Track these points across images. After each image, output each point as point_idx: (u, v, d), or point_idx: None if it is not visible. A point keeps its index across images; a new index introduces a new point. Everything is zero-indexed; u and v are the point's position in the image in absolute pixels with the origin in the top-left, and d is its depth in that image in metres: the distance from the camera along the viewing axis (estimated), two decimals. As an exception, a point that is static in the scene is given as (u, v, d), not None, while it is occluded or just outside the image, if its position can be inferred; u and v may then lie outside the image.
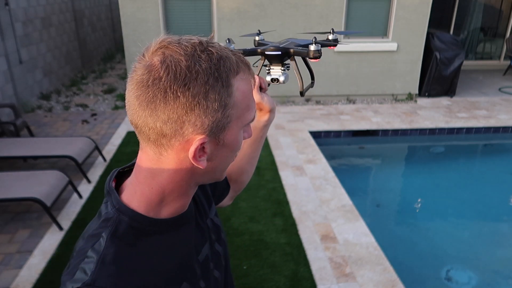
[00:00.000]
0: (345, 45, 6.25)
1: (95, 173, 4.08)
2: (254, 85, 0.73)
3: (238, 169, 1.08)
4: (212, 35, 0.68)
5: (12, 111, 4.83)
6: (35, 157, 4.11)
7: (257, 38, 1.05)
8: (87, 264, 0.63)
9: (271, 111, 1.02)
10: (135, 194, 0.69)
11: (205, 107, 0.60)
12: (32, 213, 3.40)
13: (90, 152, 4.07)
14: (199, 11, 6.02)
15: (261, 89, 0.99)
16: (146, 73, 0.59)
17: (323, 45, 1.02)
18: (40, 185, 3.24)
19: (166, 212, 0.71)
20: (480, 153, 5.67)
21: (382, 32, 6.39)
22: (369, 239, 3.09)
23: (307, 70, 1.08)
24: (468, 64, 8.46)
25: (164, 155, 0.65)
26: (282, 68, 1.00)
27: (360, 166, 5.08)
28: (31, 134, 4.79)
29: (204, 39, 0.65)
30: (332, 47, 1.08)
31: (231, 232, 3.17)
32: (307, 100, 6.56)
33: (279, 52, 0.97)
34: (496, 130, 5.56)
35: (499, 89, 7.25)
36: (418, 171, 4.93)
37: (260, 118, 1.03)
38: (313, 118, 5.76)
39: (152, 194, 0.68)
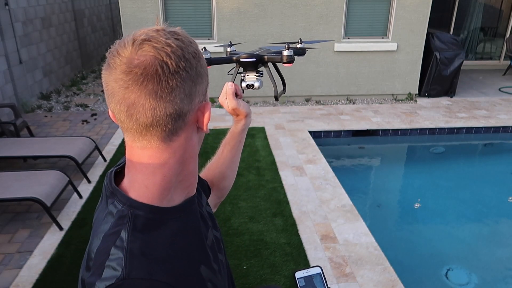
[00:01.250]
0: (345, 45, 6.26)
1: (95, 173, 4.08)
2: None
3: (219, 173, 1.11)
4: (157, 20, 0.77)
5: (12, 111, 4.83)
6: (35, 157, 4.11)
7: (228, 49, 1.10)
8: (113, 261, 0.63)
9: (247, 116, 1.06)
10: (147, 189, 0.70)
11: (201, 76, 0.69)
12: (32, 213, 3.40)
13: (90, 152, 4.07)
14: (199, 11, 6.02)
15: (237, 95, 1.03)
16: (147, 68, 0.62)
17: (296, 53, 1.07)
18: (40, 185, 3.24)
19: (179, 195, 0.75)
20: (480, 153, 5.67)
21: (382, 32, 6.39)
22: (369, 239, 3.09)
23: (279, 77, 1.13)
24: (468, 64, 8.46)
25: (174, 139, 0.68)
26: (257, 75, 1.04)
27: (360, 166, 5.08)
28: (31, 134, 4.79)
29: (159, 27, 0.69)
30: (300, 55, 1.12)
31: (231, 232, 3.17)
32: (307, 100, 6.56)
33: (254, 59, 1.02)
34: (496, 130, 5.56)
35: (499, 89, 7.25)
36: (418, 171, 4.93)
37: (237, 123, 1.07)
38: (313, 118, 5.76)
39: (166, 182, 0.71)
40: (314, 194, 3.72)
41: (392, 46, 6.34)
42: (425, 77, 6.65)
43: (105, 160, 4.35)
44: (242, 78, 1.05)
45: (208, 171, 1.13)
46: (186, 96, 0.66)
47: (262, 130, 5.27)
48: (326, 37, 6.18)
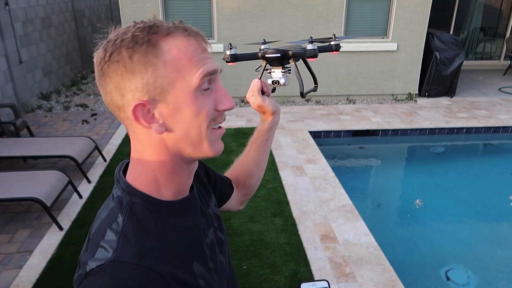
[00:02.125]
0: (345, 45, 6.25)
1: (95, 173, 4.08)
2: (202, 47, 0.70)
3: (245, 171, 1.10)
4: (153, 13, 0.71)
5: (12, 111, 4.83)
6: (35, 157, 4.11)
7: (262, 47, 1.04)
8: (106, 243, 0.65)
9: (274, 114, 1.03)
10: (141, 178, 0.72)
11: (132, 70, 0.64)
12: (32, 213, 3.40)
13: (90, 152, 4.07)
14: (199, 11, 6.03)
15: (264, 92, 1.01)
16: (96, 55, 0.68)
17: (323, 50, 1.05)
18: (40, 185, 3.24)
19: (167, 192, 0.73)
20: (480, 153, 5.67)
21: (382, 32, 6.39)
22: (369, 239, 3.09)
23: (310, 73, 1.08)
24: (468, 64, 8.46)
25: (136, 132, 0.69)
26: (283, 71, 1.01)
27: (360, 166, 5.08)
28: (31, 134, 4.79)
29: (147, 20, 0.69)
30: (334, 52, 1.09)
31: (231, 232, 3.17)
32: (307, 100, 6.56)
33: (278, 54, 0.98)
34: (496, 130, 5.56)
35: (499, 89, 7.25)
36: (418, 171, 4.93)
37: (264, 121, 1.05)
38: (313, 118, 5.76)
39: (146, 173, 0.72)
40: (314, 194, 3.72)
41: (392, 46, 6.34)
42: (425, 77, 6.65)
43: (105, 160, 4.35)
44: (268, 74, 1.02)
45: (234, 169, 1.12)
46: (115, 88, 0.66)
47: (262, 130, 5.26)
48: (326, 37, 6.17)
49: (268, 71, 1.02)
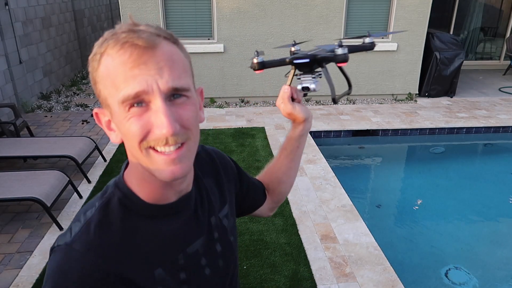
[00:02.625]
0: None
1: (95, 173, 4.08)
2: (132, 62, 0.62)
3: (275, 178, 1.08)
4: (130, 16, 0.67)
5: (12, 111, 4.83)
6: (35, 157, 4.11)
7: (292, 48, 1.01)
8: (75, 227, 0.69)
9: (306, 121, 1.00)
10: (128, 174, 0.74)
11: (94, 79, 0.66)
12: (32, 213, 3.40)
13: (90, 152, 4.07)
14: (199, 11, 6.02)
15: (294, 99, 0.97)
16: None
17: (356, 49, 0.97)
18: (40, 185, 3.24)
19: (143, 194, 0.72)
20: (480, 153, 5.67)
21: (382, 32, 6.39)
22: (369, 239, 3.09)
23: (344, 77, 1.04)
24: (468, 64, 8.46)
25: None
26: (313, 76, 0.97)
27: (360, 166, 5.08)
28: (31, 134, 4.79)
29: (123, 25, 0.67)
30: (368, 50, 1.02)
31: (231, 232, 3.17)
32: (307, 100, 6.56)
33: (307, 60, 0.94)
34: (496, 130, 5.56)
35: (499, 89, 7.25)
36: (418, 171, 4.93)
37: (295, 128, 1.01)
38: (313, 118, 5.75)
39: (131, 173, 0.73)
40: (314, 194, 3.72)
41: (392, 46, 6.34)
42: (425, 77, 6.65)
43: (105, 160, 4.35)
44: (298, 80, 0.98)
45: (265, 175, 1.10)
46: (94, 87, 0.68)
47: (262, 130, 5.27)
48: (326, 37, 6.18)
49: (297, 76, 0.98)
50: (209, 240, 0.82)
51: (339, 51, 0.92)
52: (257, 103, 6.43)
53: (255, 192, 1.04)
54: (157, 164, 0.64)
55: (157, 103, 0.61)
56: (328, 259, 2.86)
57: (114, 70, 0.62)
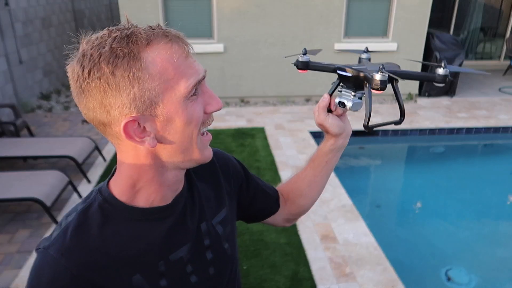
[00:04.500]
0: (345, 45, 6.26)
1: (95, 173, 4.08)
2: (185, 52, 0.66)
3: (297, 190, 1.03)
4: (126, 15, 0.67)
5: (12, 111, 4.83)
6: (35, 157, 4.11)
7: (363, 56, 0.93)
8: (55, 232, 0.70)
9: (338, 136, 0.93)
10: (115, 180, 0.73)
11: (116, 86, 0.61)
12: (32, 213, 3.40)
13: (90, 152, 4.07)
14: (199, 11, 6.02)
15: (331, 111, 0.91)
16: (70, 70, 0.65)
17: (434, 80, 0.81)
18: (40, 185, 3.23)
19: (141, 200, 0.72)
20: (480, 153, 5.67)
21: (382, 32, 6.39)
22: (369, 239, 3.09)
23: (397, 103, 0.92)
24: (468, 64, 8.46)
25: (120, 144, 0.68)
26: (354, 94, 0.88)
27: (360, 166, 5.08)
28: (31, 134, 4.79)
29: (124, 26, 0.64)
30: (438, 83, 0.84)
31: (231, 232, 3.17)
32: (307, 100, 6.56)
33: (349, 74, 0.85)
34: (496, 130, 5.56)
35: (499, 89, 7.25)
36: (418, 171, 4.93)
37: (326, 141, 0.95)
38: (313, 118, 5.74)
39: (123, 180, 0.72)
40: (314, 194, 3.72)
41: (392, 46, 6.34)
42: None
43: (105, 160, 4.35)
44: (339, 93, 0.90)
45: (288, 184, 1.05)
46: (98, 105, 0.63)
47: (262, 130, 5.27)
48: (326, 37, 6.18)
49: (339, 89, 0.91)
50: (198, 247, 0.80)
51: (378, 76, 0.78)
52: (257, 103, 6.43)
53: (265, 199, 0.99)
54: (204, 147, 0.72)
55: (206, 86, 0.71)
56: (328, 259, 2.86)
57: (172, 63, 0.63)
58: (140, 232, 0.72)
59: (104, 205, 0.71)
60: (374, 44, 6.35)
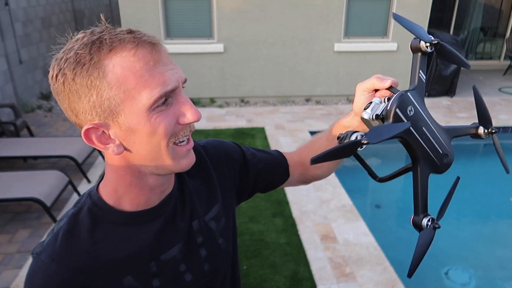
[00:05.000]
0: (345, 45, 6.26)
1: (95, 173, 4.08)
2: (154, 59, 0.62)
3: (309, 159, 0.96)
4: (102, 17, 0.65)
5: (12, 111, 4.83)
6: (35, 157, 4.11)
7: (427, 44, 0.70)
8: (48, 237, 0.71)
9: (355, 115, 0.82)
10: (103, 183, 0.74)
11: (77, 93, 0.61)
12: (32, 213, 3.40)
13: (90, 152, 4.07)
14: (199, 11, 6.02)
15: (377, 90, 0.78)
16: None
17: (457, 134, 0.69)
18: (40, 185, 3.24)
19: (127, 204, 0.72)
20: (480, 153, 5.67)
21: (382, 32, 6.39)
22: (369, 239, 3.09)
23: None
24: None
25: (101, 146, 0.67)
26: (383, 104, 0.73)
27: (360, 166, 5.06)
28: (31, 134, 4.79)
29: (98, 29, 0.63)
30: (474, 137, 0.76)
31: (231, 232, 3.17)
32: (307, 100, 6.56)
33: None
34: (496, 130, 5.56)
35: (499, 89, 7.25)
36: (418, 171, 4.93)
37: (347, 116, 0.86)
38: (313, 118, 5.76)
39: (108, 183, 0.73)
40: (314, 194, 3.72)
41: (392, 46, 6.34)
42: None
43: (105, 160, 4.34)
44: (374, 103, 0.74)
45: (304, 149, 0.99)
46: (68, 108, 0.64)
47: (262, 130, 5.27)
48: (326, 37, 6.18)
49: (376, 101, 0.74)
50: (190, 246, 0.79)
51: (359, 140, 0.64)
52: (257, 103, 6.43)
53: (271, 172, 0.97)
54: (179, 156, 0.68)
55: (182, 95, 0.65)
56: (328, 259, 2.86)
57: (135, 71, 0.60)
58: (129, 234, 0.72)
59: (93, 209, 0.71)
60: (374, 44, 6.36)
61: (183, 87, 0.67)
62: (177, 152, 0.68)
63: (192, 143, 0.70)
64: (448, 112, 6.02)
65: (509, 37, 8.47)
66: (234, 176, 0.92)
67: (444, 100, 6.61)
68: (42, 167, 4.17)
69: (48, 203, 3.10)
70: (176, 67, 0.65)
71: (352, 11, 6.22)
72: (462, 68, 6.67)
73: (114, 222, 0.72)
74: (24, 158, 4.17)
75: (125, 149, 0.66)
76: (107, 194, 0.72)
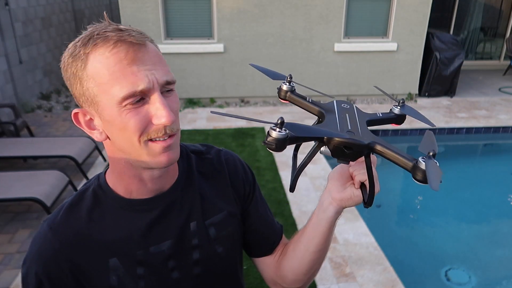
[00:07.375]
0: (345, 45, 6.26)
1: (95, 173, 4.06)
2: (129, 57, 0.64)
3: (289, 249, 0.89)
4: (105, 15, 0.70)
5: (12, 111, 4.83)
6: (35, 157, 4.11)
7: (284, 87, 0.80)
8: (58, 207, 0.79)
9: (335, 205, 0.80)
10: (109, 168, 0.80)
11: (69, 80, 0.69)
12: (32, 213, 3.40)
13: (90, 152, 4.07)
14: (199, 11, 6.02)
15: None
16: None
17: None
18: (40, 185, 3.23)
19: (121, 189, 0.78)
20: (480, 153, 5.67)
21: (382, 32, 6.39)
22: (369, 239, 3.09)
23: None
24: (468, 64, 8.46)
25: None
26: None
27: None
28: (31, 134, 4.79)
29: (99, 25, 0.68)
30: (394, 124, 0.79)
31: (231, 232, 3.17)
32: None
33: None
34: (496, 130, 5.56)
35: (499, 89, 7.25)
36: (418, 171, 4.92)
37: (328, 206, 0.83)
38: (313, 118, 5.72)
39: (109, 168, 0.79)
40: (314, 194, 3.72)
41: (392, 46, 6.34)
42: (425, 77, 6.65)
43: (105, 160, 4.35)
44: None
45: (292, 237, 0.92)
46: (71, 91, 0.71)
47: (262, 130, 5.27)
48: (326, 37, 6.18)
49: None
50: (183, 245, 0.79)
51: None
52: (257, 103, 6.43)
53: (262, 231, 0.92)
54: (155, 153, 0.69)
55: (156, 96, 0.66)
56: (328, 259, 2.86)
57: (109, 68, 0.64)
58: (123, 219, 0.76)
59: (97, 190, 0.78)
60: (374, 44, 6.36)
61: (170, 89, 0.69)
62: (152, 148, 0.69)
63: (170, 141, 0.69)
64: (448, 112, 6.02)
65: (509, 37, 8.47)
66: (243, 197, 0.91)
67: (444, 100, 6.61)
68: (42, 167, 4.17)
69: (48, 203, 3.10)
70: (157, 69, 0.67)
71: (352, 11, 6.22)
72: (462, 68, 6.69)
73: (112, 205, 0.77)
74: (24, 158, 4.17)
75: (108, 137, 0.71)
76: (110, 178, 0.78)
